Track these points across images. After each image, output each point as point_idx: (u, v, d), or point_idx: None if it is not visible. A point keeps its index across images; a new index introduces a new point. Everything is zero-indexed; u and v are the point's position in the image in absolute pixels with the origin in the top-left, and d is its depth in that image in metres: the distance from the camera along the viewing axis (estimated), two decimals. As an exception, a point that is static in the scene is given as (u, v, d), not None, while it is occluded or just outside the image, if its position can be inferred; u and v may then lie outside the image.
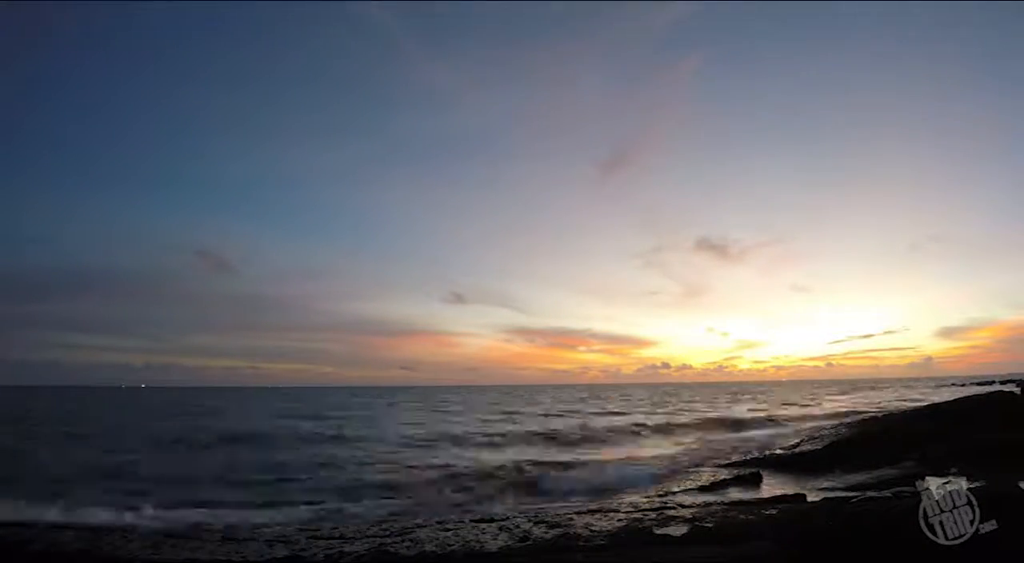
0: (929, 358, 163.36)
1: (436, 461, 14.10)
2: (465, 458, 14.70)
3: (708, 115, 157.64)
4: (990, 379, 64.56)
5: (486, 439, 19.34)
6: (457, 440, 19.05)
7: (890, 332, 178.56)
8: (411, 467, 13.33)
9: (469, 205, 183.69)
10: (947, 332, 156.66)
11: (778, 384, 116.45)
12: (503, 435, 20.38)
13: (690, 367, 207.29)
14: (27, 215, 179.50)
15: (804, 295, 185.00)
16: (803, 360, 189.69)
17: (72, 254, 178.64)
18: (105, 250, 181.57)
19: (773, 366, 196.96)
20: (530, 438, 19.55)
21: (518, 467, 12.94)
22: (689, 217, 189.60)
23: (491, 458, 14.57)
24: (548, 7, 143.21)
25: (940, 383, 64.67)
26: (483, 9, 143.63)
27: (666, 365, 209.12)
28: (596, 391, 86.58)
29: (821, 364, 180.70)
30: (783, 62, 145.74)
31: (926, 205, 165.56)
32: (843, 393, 51.33)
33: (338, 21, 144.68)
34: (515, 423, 26.29)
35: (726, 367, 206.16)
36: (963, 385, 50.88)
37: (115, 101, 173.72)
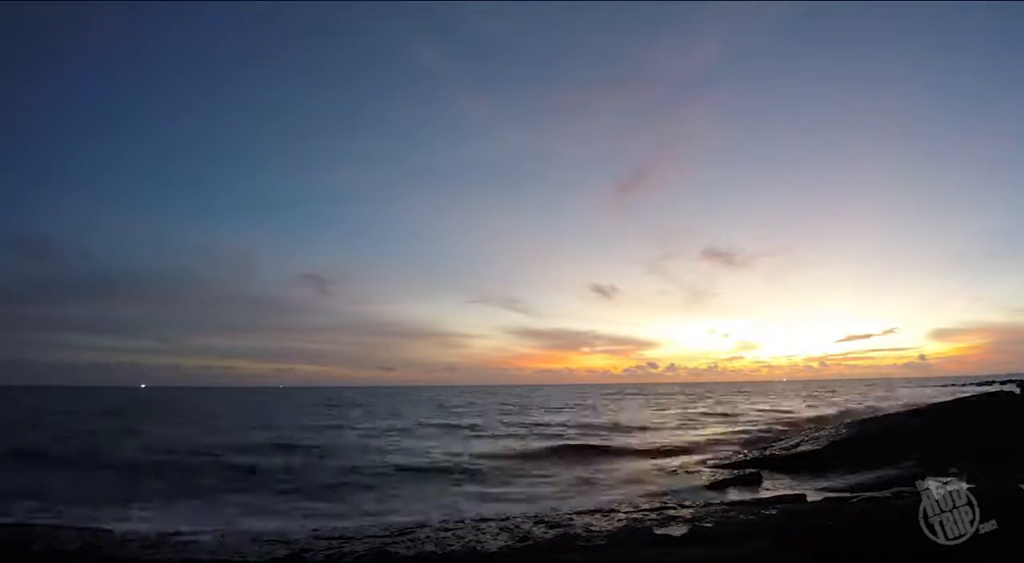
0: (923, 356, 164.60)
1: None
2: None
3: (720, 139, 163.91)
4: (990, 379, 64.36)
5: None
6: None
7: (889, 331, 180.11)
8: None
9: (489, 219, 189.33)
10: (941, 334, 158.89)
11: (769, 384, 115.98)
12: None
13: (681, 367, 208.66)
14: (37, 219, 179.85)
15: (803, 299, 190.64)
16: (800, 360, 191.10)
17: (81, 257, 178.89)
18: (120, 253, 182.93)
19: (768, 366, 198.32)
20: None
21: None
22: (698, 230, 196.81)
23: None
24: (579, 49, 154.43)
25: (938, 385, 63.37)
26: (520, 52, 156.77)
27: (653, 365, 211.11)
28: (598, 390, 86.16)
29: (816, 364, 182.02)
30: (784, 88, 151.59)
31: (922, 211, 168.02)
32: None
33: (384, 57, 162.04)
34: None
35: (720, 367, 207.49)
36: (963, 385, 50.64)
37: (145, 107, 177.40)
